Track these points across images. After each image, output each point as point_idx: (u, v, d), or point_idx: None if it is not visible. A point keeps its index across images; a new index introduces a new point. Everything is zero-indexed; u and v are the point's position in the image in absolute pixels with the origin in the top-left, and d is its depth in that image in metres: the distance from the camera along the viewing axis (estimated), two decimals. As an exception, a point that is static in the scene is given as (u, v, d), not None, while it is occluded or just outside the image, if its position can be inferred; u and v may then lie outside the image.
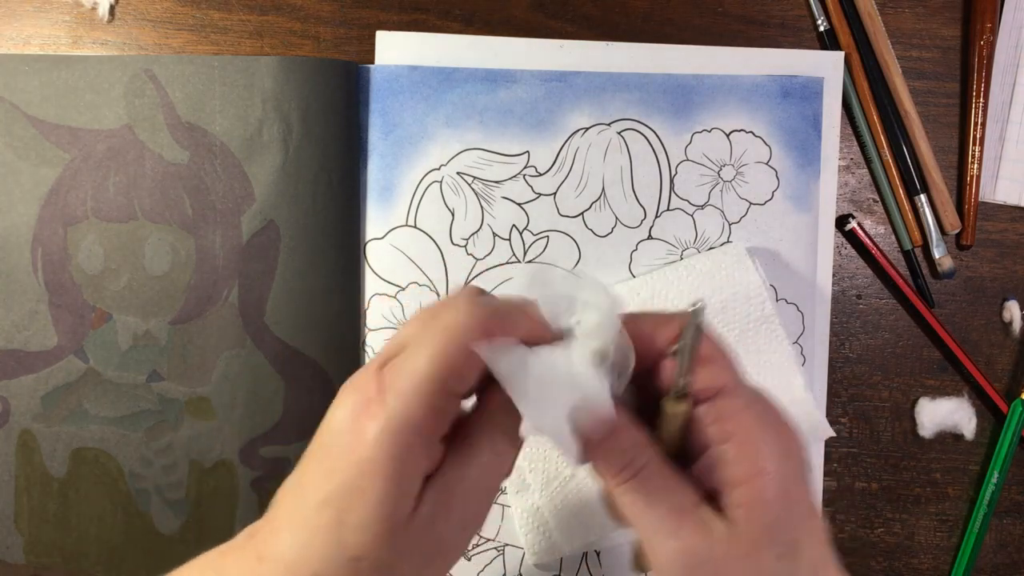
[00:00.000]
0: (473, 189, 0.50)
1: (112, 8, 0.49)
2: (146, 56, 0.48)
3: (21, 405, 0.48)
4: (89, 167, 0.48)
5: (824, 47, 0.52)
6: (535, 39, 0.50)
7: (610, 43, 0.50)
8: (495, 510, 0.49)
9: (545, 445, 0.48)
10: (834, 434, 0.49)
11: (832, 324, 0.52)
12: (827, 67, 0.51)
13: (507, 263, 0.50)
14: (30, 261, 0.48)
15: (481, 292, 0.28)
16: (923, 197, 0.52)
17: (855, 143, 0.52)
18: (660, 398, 0.29)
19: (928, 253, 0.52)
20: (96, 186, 0.48)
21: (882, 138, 0.52)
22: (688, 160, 0.50)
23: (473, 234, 0.50)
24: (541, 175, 0.50)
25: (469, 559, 0.50)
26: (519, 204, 0.50)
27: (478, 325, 0.26)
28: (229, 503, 0.48)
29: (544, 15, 0.51)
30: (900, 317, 0.53)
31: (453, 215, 0.50)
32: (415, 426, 0.25)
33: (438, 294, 0.49)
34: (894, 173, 0.52)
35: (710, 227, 0.50)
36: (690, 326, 0.27)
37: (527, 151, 0.50)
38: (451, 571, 0.49)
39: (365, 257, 0.49)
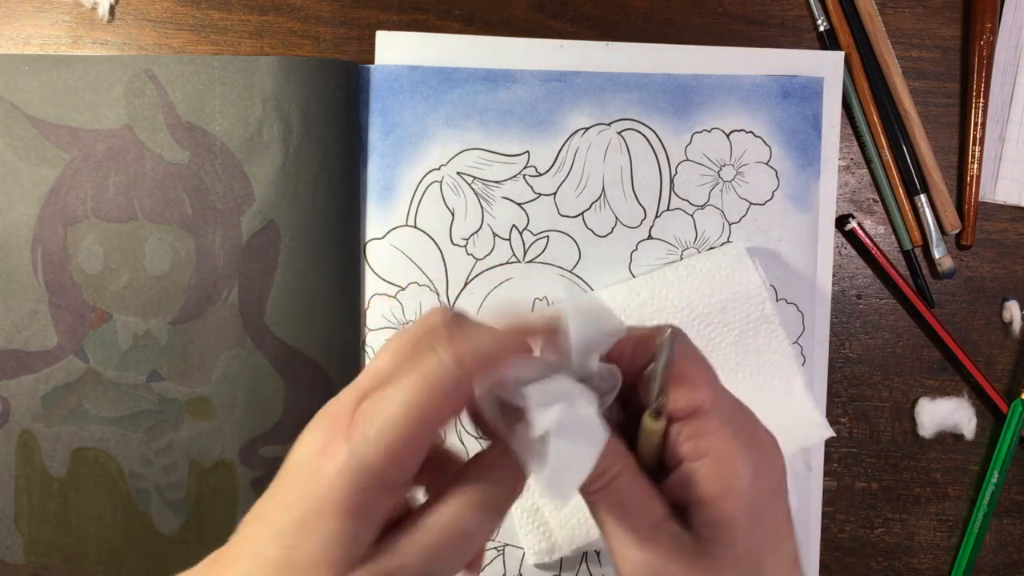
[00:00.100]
0: (473, 189, 0.50)
1: (112, 8, 0.49)
2: (146, 56, 0.48)
3: (21, 405, 0.48)
4: (89, 167, 0.48)
5: (824, 47, 0.52)
6: (535, 39, 0.50)
7: (610, 43, 0.50)
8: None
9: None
10: (834, 434, 0.49)
11: (832, 324, 0.52)
12: (827, 67, 0.51)
13: (507, 263, 0.50)
14: (30, 261, 0.48)
15: (462, 320, 0.27)
16: (923, 197, 0.52)
17: (855, 143, 0.52)
18: (641, 412, 0.29)
19: (928, 253, 0.52)
20: (96, 186, 0.48)
21: (882, 138, 0.52)
22: (688, 160, 0.50)
23: (473, 234, 0.50)
24: (541, 175, 0.50)
25: (469, 559, 0.50)
26: (519, 204, 0.50)
27: (463, 377, 0.25)
28: (229, 503, 0.48)
29: (544, 15, 0.51)
30: (900, 317, 0.53)
31: (453, 215, 0.50)
32: (376, 473, 0.25)
33: (438, 294, 0.49)
34: (894, 173, 0.52)
35: (710, 227, 0.50)
36: (660, 352, 0.27)
37: (527, 151, 0.50)
38: (451, 571, 0.49)
39: (365, 257, 0.49)
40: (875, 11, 0.52)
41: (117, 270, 0.48)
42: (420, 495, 0.29)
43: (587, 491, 0.28)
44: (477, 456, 0.29)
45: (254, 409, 0.48)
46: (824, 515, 0.52)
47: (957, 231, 0.52)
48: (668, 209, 0.50)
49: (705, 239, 0.50)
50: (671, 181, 0.50)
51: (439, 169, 0.49)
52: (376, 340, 0.49)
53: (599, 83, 0.50)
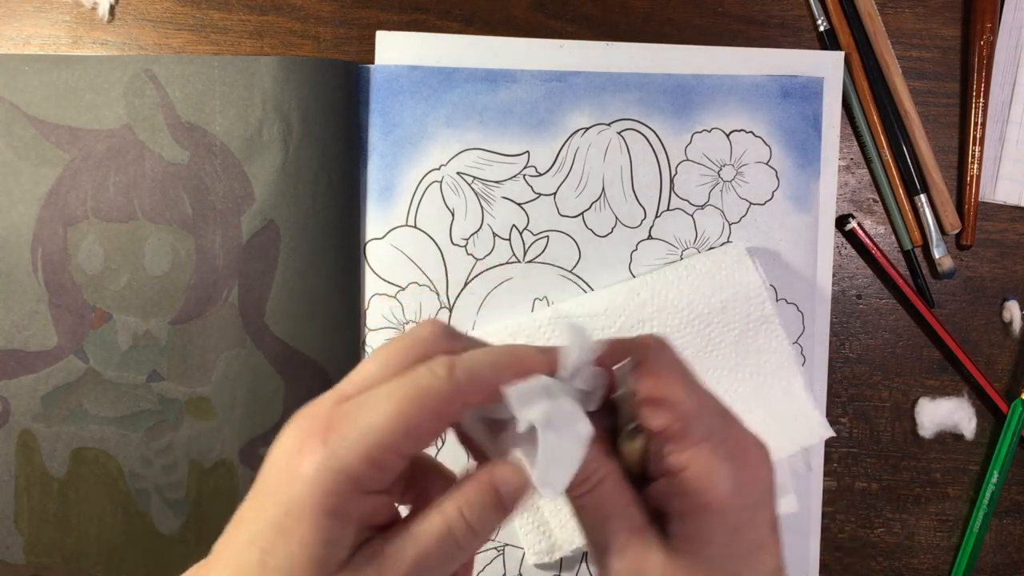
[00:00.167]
0: (473, 189, 0.50)
1: (112, 8, 0.49)
2: (146, 56, 0.48)
3: (21, 405, 0.48)
4: (89, 167, 0.48)
5: (824, 47, 0.52)
6: (535, 39, 0.50)
7: (610, 43, 0.50)
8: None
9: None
10: (834, 434, 0.49)
11: (832, 324, 0.52)
12: (827, 67, 0.51)
13: (507, 263, 0.50)
14: (30, 261, 0.48)
15: (457, 335, 0.27)
16: (923, 197, 0.52)
17: (855, 143, 0.52)
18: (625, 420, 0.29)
19: (928, 253, 0.52)
20: (96, 186, 0.48)
21: (882, 138, 0.52)
22: (688, 160, 0.50)
23: (473, 234, 0.50)
24: (541, 175, 0.50)
25: (469, 559, 0.50)
26: (519, 204, 0.50)
27: (457, 395, 0.25)
28: (229, 503, 0.48)
29: (544, 15, 0.51)
30: (900, 317, 0.53)
31: (453, 215, 0.50)
32: (353, 478, 0.24)
33: (438, 294, 0.49)
34: (894, 173, 0.52)
35: (710, 227, 0.50)
36: (620, 386, 0.27)
37: (527, 151, 0.50)
38: (451, 571, 0.49)
39: (365, 257, 0.49)
40: (875, 11, 0.52)
41: (117, 270, 0.48)
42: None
43: (573, 494, 0.29)
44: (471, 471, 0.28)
45: (254, 409, 0.48)
46: (824, 515, 0.52)
47: (957, 231, 0.52)
48: (668, 209, 0.50)
49: (705, 239, 0.50)
50: (671, 181, 0.50)
51: (439, 169, 0.49)
52: (376, 340, 0.49)
53: (599, 83, 0.50)
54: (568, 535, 0.47)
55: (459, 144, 0.49)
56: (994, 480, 0.52)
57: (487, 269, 0.50)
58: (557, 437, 0.25)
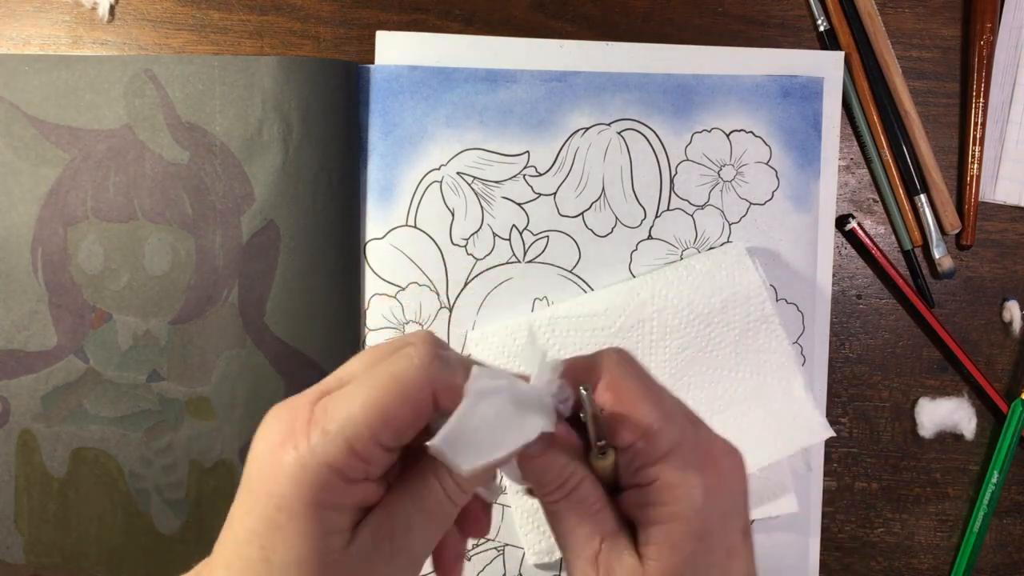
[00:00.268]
0: (473, 189, 0.50)
1: (112, 8, 0.49)
2: (146, 56, 0.48)
3: (21, 405, 0.48)
4: (89, 167, 0.48)
5: (824, 47, 0.52)
6: (535, 39, 0.50)
7: (610, 43, 0.50)
8: (495, 510, 0.49)
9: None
10: (834, 434, 0.49)
11: (832, 324, 0.52)
12: (827, 67, 0.51)
13: (507, 263, 0.50)
14: (30, 261, 0.48)
15: (439, 343, 0.27)
16: (923, 197, 0.52)
17: (855, 143, 0.52)
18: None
19: (928, 253, 0.52)
20: (96, 186, 0.48)
21: (882, 138, 0.52)
22: (688, 160, 0.50)
23: (473, 234, 0.50)
24: (541, 175, 0.50)
25: (469, 559, 0.50)
26: (519, 204, 0.50)
27: (427, 382, 0.25)
28: (229, 503, 0.47)
29: (544, 15, 0.51)
30: (900, 317, 0.53)
31: (453, 215, 0.50)
32: (335, 468, 0.24)
33: (438, 294, 0.49)
34: (894, 173, 0.52)
35: (710, 227, 0.50)
36: (585, 407, 0.28)
37: (527, 151, 0.50)
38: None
39: (365, 257, 0.49)
40: (875, 11, 0.52)
41: (117, 270, 0.48)
42: None
43: (548, 499, 0.29)
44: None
45: (254, 409, 0.48)
46: (824, 515, 0.52)
47: (957, 231, 0.52)
48: (668, 209, 0.50)
49: (705, 239, 0.50)
50: (671, 181, 0.50)
51: (439, 169, 0.49)
52: (376, 340, 0.49)
53: (599, 83, 0.50)
54: (568, 535, 0.47)
55: (459, 144, 0.49)
56: (994, 480, 0.52)
57: (487, 269, 0.50)
58: (489, 414, 0.26)
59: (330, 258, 0.48)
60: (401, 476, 0.27)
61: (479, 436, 0.26)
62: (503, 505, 0.49)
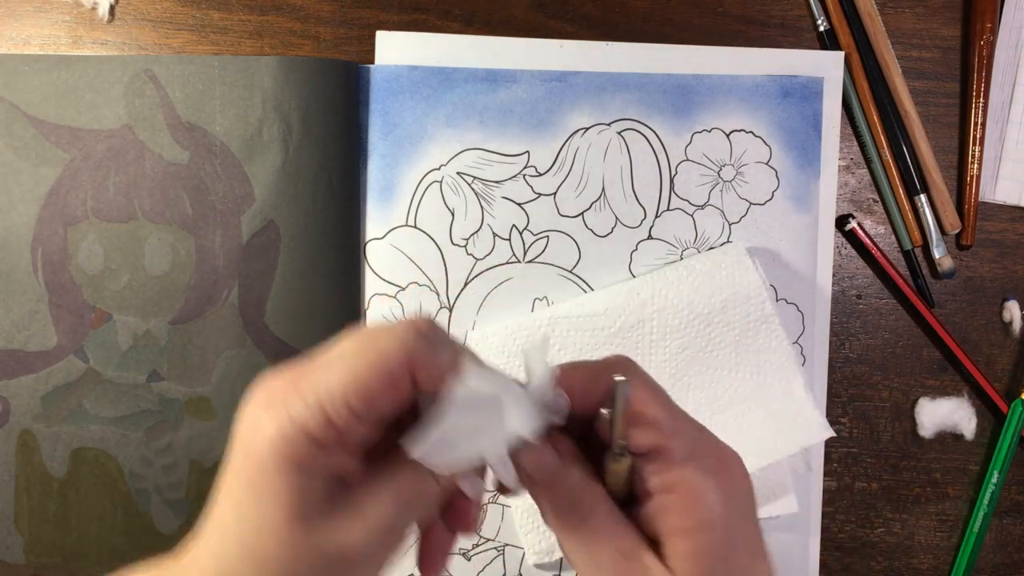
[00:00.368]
0: (473, 189, 0.50)
1: (112, 8, 0.49)
2: (146, 56, 0.48)
3: (21, 405, 0.48)
4: (89, 167, 0.48)
5: (824, 47, 0.52)
6: (535, 39, 0.50)
7: (610, 43, 0.50)
8: (495, 510, 0.49)
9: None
10: (834, 434, 0.49)
11: (832, 324, 0.52)
12: (827, 67, 0.51)
13: (507, 263, 0.50)
14: (30, 261, 0.48)
15: (431, 325, 0.28)
16: (923, 197, 0.52)
17: (855, 143, 0.52)
18: (604, 449, 0.29)
19: (928, 253, 0.52)
20: (96, 186, 0.48)
21: (882, 138, 0.52)
22: (688, 160, 0.50)
23: (473, 234, 0.50)
24: (541, 175, 0.50)
25: (469, 559, 0.50)
26: (519, 204, 0.50)
27: (405, 356, 0.26)
28: (229, 503, 0.48)
29: (544, 15, 0.51)
30: (900, 317, 0.53)
31: (453, 215, 0.50)
32: (313, 437, 0.25)
33: (438, 294, 0.49)
34: (894, 173, 0.52)
35: (710, 227, 0.50)
36: (617, 397, 0.27)
37: (527, 151, 0.50)
38: (451, 571, 0.49)
39: (365, 257, 0.49)
40: (875, 11, 0.52)
41: (117, 270, 0.48)
42: None
43: (561, 523, 0.29)
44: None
45: (254, 409, 0.48)
46: (824, 515, 0.52)
47: (957, 231, 0.52)
48: (668, 209, 0.50)
49: (705, 239, 0.50)
50: (671, 181, 0.50)
51: (439, 169, 0.49)
52: (376, 340, 0.49)
53: (599, 83, 0.50)
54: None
55: (459, 144, 0.49)
56: (994, 480, 0.52)
57: (487, 269, 0.50)
58: (468, 413, 0.26)
59: (330, 258, 0.48)
60: (384, 455, 0.28)
61: (454, 434, 0.26)
62: (503, 505, 0.49)
